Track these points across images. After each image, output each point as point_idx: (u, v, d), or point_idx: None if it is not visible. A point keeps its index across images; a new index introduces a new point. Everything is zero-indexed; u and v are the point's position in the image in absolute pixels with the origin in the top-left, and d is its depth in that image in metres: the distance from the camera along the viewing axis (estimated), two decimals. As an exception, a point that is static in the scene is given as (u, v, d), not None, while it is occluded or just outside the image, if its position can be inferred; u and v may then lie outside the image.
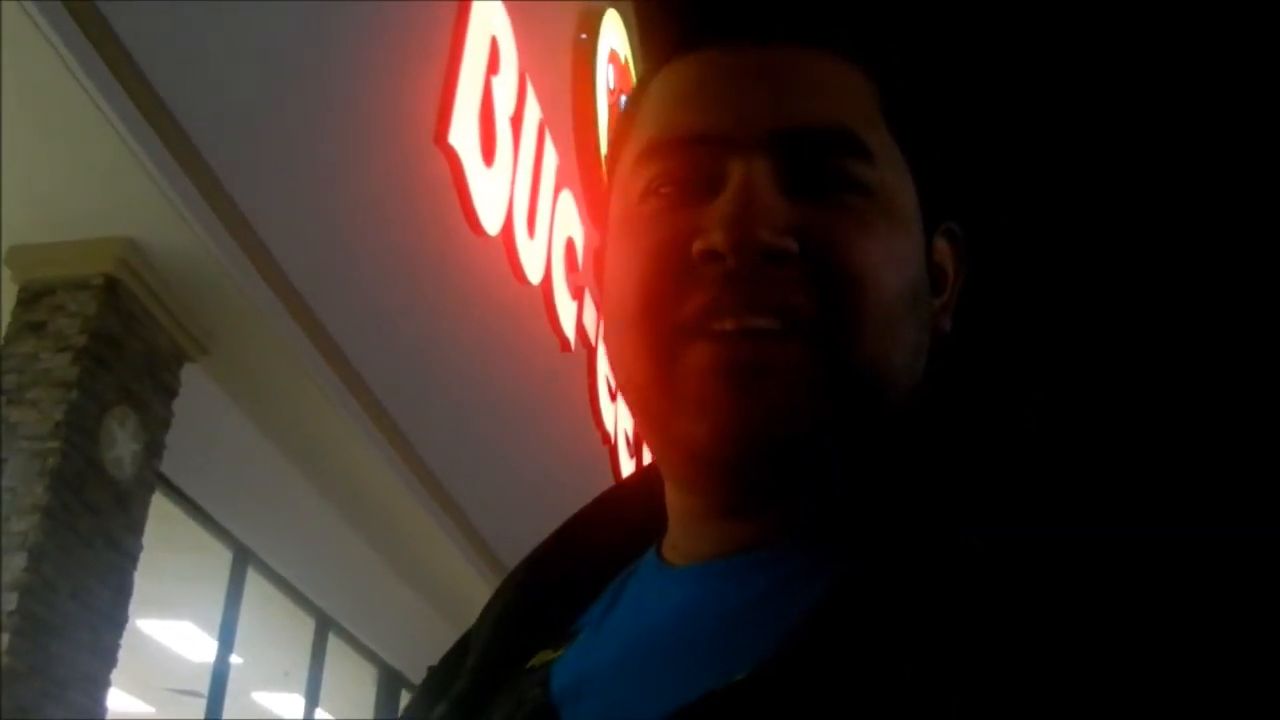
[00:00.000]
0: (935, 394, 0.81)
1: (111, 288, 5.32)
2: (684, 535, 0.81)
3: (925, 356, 0.80)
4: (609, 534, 0.91)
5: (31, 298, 5.36)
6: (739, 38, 0.81)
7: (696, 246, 0.73)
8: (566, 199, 9.77)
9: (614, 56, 11.69)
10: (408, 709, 0.89)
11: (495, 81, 8.23)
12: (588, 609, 0.85)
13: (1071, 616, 0.60)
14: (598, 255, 0.87)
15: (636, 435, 11.86)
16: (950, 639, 0.60)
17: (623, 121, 0.87)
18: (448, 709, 0.82)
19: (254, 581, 8.17)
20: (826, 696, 0.60)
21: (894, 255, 0.76)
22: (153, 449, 5.63)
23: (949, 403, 0.81)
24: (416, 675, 10.59)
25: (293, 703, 10.62)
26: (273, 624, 9.19)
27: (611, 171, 0.86)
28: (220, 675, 7.92)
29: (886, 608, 0.64)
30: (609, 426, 10.92)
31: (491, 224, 8.12)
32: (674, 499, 0.83)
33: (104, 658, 5.30)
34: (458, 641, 0.90)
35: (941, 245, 0.86)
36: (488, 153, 8.06)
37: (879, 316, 0.74)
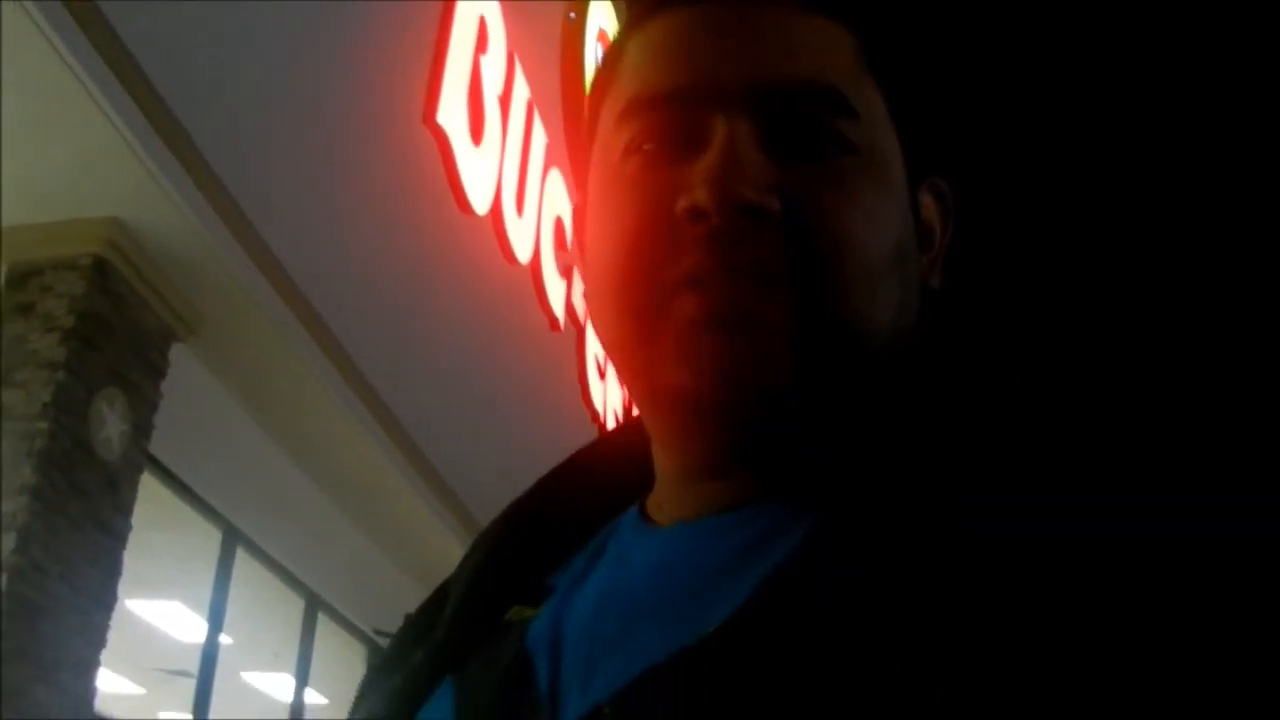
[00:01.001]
0: (925, 350, 0.80)
1: (99, 268, 5.30)
2: (669, 495, 0.81)
3: (913, 313, 0.79)
4: (589, 488, 0.91)
5: (19, 279, 5.34)
6: None
7: (680, 205, 0.73)
8: (555, 178, 9.74)
9: (603, 35, 11.64)
10: (386, 655, 0.88)
11: (483, 61, 8.20)
12: (564, 563, 0.85)
13: (1046, 586, 0.59)
14: (578, 214, 0.87)
15: (626, 413, 11.87)
16: (916, 597, 0.60)
17: (600, 80, 0.86)
18: (425, 657, 0.82)
19: (243, 561, 8.19)
20: (788, 651, 0.61)
21: (878, 214, 0.75)
22: (141, 429, 5.62)
23: (938, 361, 0.80)
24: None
25: (283, 682, 10.63)
26: (262, 604, 9.21)
27: (591, 130, 0.85)
28: (210, 655, 7.94)
29: (851, 561, 0.64)
30: (598, 405, 10.92)
31: (480, 203, 8.11)
32: (661, 459, 0.83)
33: (93, 640, 5.30)
34: (436, 590, 0.90)
35: (928, 201, 0.85)
36: (476, 132, 8.04)
37: (860, 275, 0.73)
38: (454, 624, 0.84)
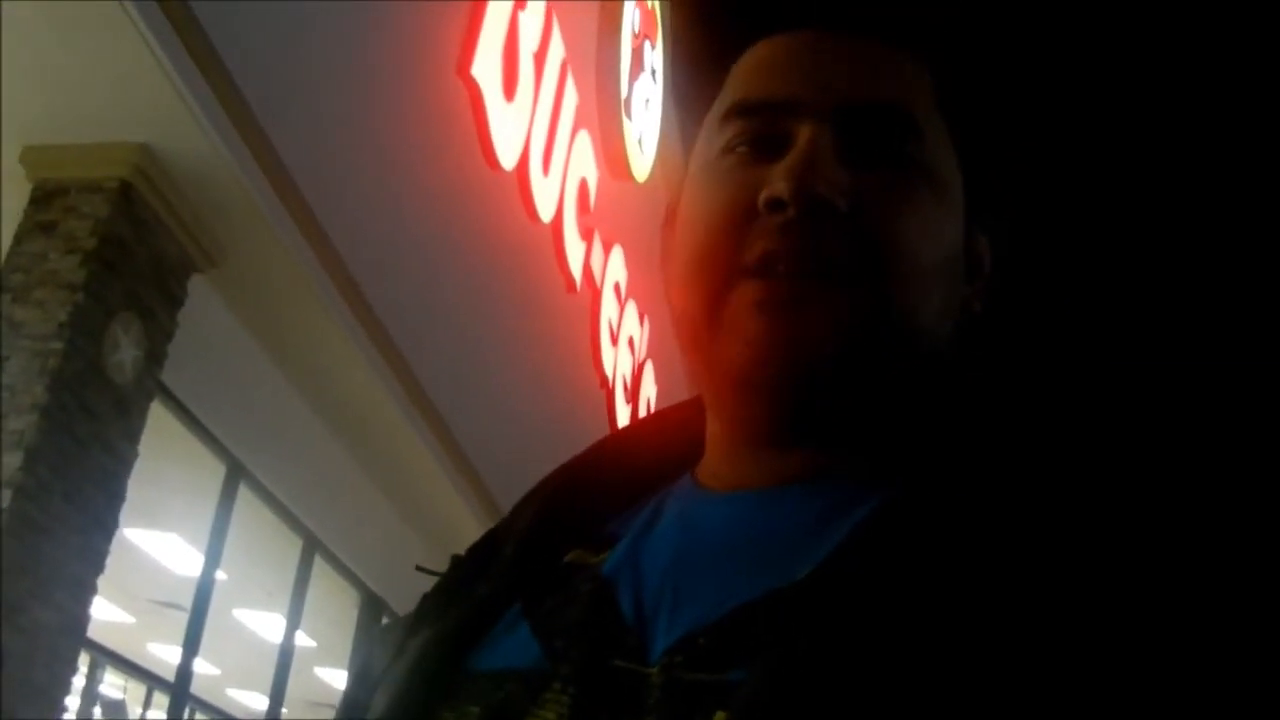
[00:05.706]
0: (963, 364, 0.89)
1: (125, 192, 5.28)
2: (726, 463, 0.88)
3: (952, 324, 0.88)
4: (643, 458, 0.97)
5: (44, 197, 5.32)
6: (816, 27, 0.91)
7: (763, 196, 0.81)
8: (583, 139, 9.73)
9: (641, 2, 11.61)
10: (439, 589, 0.93)
11: (522, 16, 8.19)
12: (616, 517, 0.92)
13: (1090, 549, 0.68)
14: (669, 212, 0.96)
15: (634, 380, 11.88)
16: (987, 558, 0.68)
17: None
18: (490, 589, 0.88)
19: (245, 498, 8.18)
20: (880, 598, 0.67)
21: (932, 227, 0.84)
22: (155, 357, 5.61)
23: (976, 372, 0.89)
24: (398, 602, 10.62)
25: (273, 622, 10.66)
26: (260, 542, 9.22)
27: (699, 135, 0.95)
28: (204, 590, 7.94)
29: (929, 524, 0.72)
30: (608, 369, 10.92)
31: (507, 158, 8.10)
32: (717, 429, 0.90)
33: (92, 562, 5.30)
34: (483, 537, 0.96)
35: (980, 238, 0.94)
36: (509, 87, 8.03)
37: (910, 276, 0.81)
38: (515, 562, 0.89)
